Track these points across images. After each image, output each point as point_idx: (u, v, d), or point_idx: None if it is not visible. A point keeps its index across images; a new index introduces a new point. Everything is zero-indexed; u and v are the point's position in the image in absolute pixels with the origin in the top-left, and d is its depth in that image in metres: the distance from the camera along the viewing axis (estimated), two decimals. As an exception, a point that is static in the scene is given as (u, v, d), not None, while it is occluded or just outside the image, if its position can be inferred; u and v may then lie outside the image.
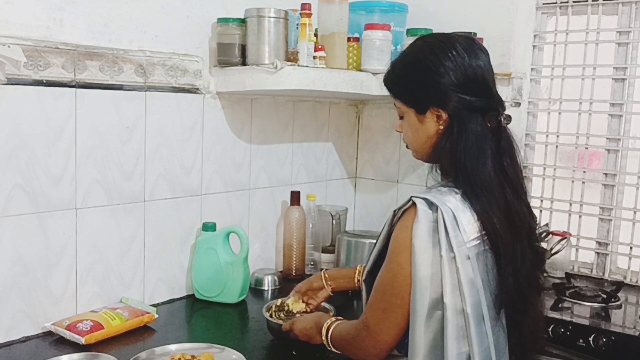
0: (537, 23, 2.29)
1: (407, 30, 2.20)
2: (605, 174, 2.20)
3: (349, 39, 2.07)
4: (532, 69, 2.30)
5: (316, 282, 1.69)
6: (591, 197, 2.24)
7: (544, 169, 2.32)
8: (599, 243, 2.22)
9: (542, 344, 1.49)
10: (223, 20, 1.88)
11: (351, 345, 1.34)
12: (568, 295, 1.98)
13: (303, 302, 1.68)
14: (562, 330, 1.76)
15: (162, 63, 1.81)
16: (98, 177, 1.68)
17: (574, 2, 2.21)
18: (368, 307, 1.30)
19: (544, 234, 2.12)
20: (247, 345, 1.59)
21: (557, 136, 2.29)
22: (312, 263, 2.30)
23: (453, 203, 1.22)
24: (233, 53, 1.88)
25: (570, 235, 2.19)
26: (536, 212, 1.97)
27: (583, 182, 2.24)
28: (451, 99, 1.25)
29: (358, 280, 1.63)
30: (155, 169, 1.83)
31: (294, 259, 2.21)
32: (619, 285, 2.00)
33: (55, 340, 1.57)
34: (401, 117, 1.36)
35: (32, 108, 1.53)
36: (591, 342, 1.71)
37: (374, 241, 1.38)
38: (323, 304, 1.69)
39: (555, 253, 2.12)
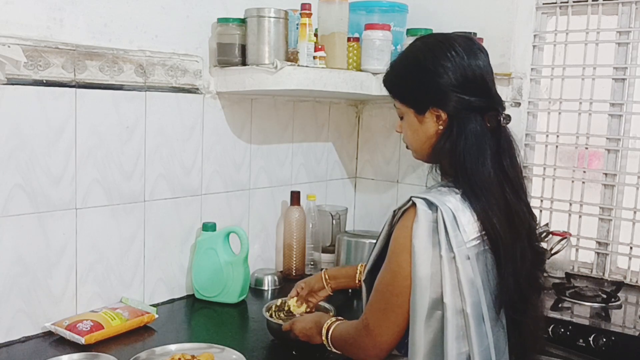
0: (537, 23, 2.29)
1: (407, 30, 2.20)
2: (605, 174, 2.20)
3: (349, 39, 2.07)
4: (532, 69, 2.30)
5: (317, 284, 1.69)
6: (591, 197, 2.24)
7: (544, 169, 2.32)
8: (599, 243, 2.22)
9: (542, 344, 1.49)
10: (223, 20, 1.88)
11: (351, 346, 1.34)
12: (568, 295, 1.98)
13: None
14: (562, 330, 1.76)
15: (162, 63, 1.81)
16: (98, 177, 1.68)
17: (574, 2, 2.21)
18: (368, 307, 1.30)
19: (544, 234, 2.12)
20: (247, 345, 1.59)
21: (557, 136, 2.29)
22: (312, 263, 2.30)
23: (453, 203, 1.22)
24: (233, 53, 1.88)
25: (570, 235, 2.19)
26: (536, 212, 1.97)
27: (583, 182, 2.24)
28: (450, 99, 1.25)
29: (359, 280, 1.64)
30: (155, 169, 1.83)
31: (294, 259, 2.21)
32: (619, 285, 2.00)
33: (55, 340, 1.57)
34: (401, 118, 1.36)
35: (32, 108, 1.53)
36: (591, 342, 1.71)
37: (374, 241, 1.38)
38: (323, 303, 1.70)
39: (555, 253, 2.12)
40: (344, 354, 1.39)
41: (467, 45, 1.27)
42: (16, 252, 1.53)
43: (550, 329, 1.76)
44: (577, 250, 2.26)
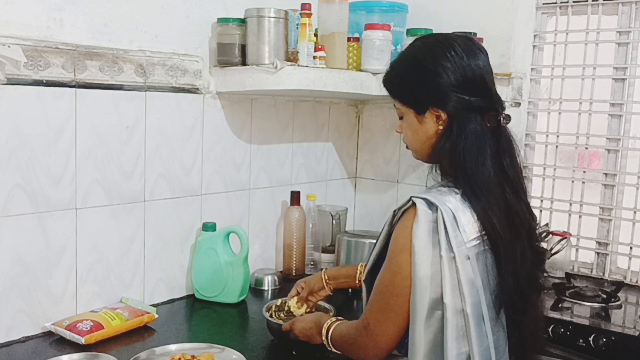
0: (537, 23, 2.29)
1: (407, 30, 2.20)
2: (605, 174, 2.20)
3: (349, 39, 2.07)
4: (532, 69, 2.30)
5: (316, 285, 1.69)
6: (591, 197, 2.24)
7: (544, 169, 2.32)
8: (599, 243, 2.22)
9: (542, 344, 1.49)
10: (223, 20, 1.88)
11: (351, 346, 1.34)
12: (568, 295, 1.98)
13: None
14: (562, 330, 1.76)
15: (162, 63, 1.81)
16: (98, 177, 1.68)
17: (574, 2, 2.21)
18: (368, 308, 1.30)
19: (544, 234, 2.12)
20: (247, 345, 1.59)
21: (557, 136, 2.29)
22: (312, 263, 2.30)
23: (453, 203, 1.22)
24: (233, 53, 1.88)
25: (570, 235, 2.19)
26: (536, 212, 1.97)
27: (583, 182, 2.24)
28: (450, 99, 1.25)
29: (359, 280, 1.64)
30: (155, 169, 1.83)
31: (294, 259, 2.21)
32: (619, 285, 2.00)
33: (55, 340, 1.57)
34: (401, 118, 1.36)
35: (32, 108, 1.53)
36: (591, 342, 1.71)
37: (374, 241, 1.38)
38: (323, 303, 1.70)
39: (555, 253, 2.12)
40: (344, 354, 1.39)
41: (467, 46, 1.27)
42: (16, 252, 1.53)
43: (550, 329, 1.76)
44: (577, 250, 2.26)
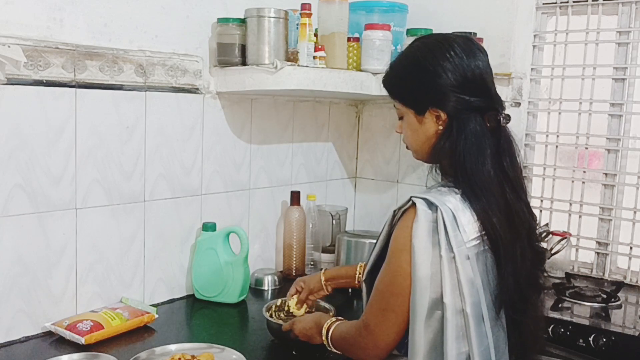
0: (537, 23, 2.29)
1: (407, 30, 2.20)
2: (605, 174, 2.20)
3: (349, 39, 2.07)
4: (532, 69, 2.30)
5: (315, 286, 1.68)
6: (591, 197, 2.24)
7: (544, 169, 2.32)
8: (599, 243, 2.22)
9: (542, 344, 1.49)
10: (223, 20, 1.88)
11: (351, 346, 1.34)
12: (568, 295, 1.98)
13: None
14: (562, 330, 1.76)
15: (162, 63, 1.81)
16: (98, 177, 1.68)
17: (574, 2, 2.21)
18: (368, 308, 1.30)
19: (544, 234, 2.12)
20: (247, 345, 1.59)
21: (557, 136, 2.29)
22: (312, 263, 2.30)
23: (453, 203, 1.22)
24: (233, 53, 1.88)
25: (570, 235, 2.19)
26: (536, 212, 1.96)
27: (583, 182, 2.24)
28: (450, 99, 1.25)
29: (358, 280, 1.64)
30: (155, 169, 1.83)
31: (294, 259, 2.21)
32: (619, 285, 2.00)
33: (55, 340, 1.57)
34: (400, 118, 1.36)
35: (32, 108, 1.53)
36: (591, 342, 1.71)
37: (374, 241, 1.38)
38: (323, 303, 1.70)
39: (555, 253, 2.12)
40: (344, 354, 1.39)
41: (467, 46, 1.27)
42: (16, 252, 1.53)
43: (550, 329, 1.76)
44: (577, 250, 2.26)
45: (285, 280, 2.14)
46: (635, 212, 2.14)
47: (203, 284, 1.93)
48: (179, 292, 1.96)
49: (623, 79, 2.16)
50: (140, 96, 1.77)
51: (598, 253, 2.23)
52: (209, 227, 1.94)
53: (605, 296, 1.96)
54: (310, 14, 1.88)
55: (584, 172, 2.24)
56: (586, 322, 1.80)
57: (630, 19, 2.14)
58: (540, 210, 2.31)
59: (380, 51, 2.08)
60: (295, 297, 1.69)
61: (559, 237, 2.14)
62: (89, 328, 1.55)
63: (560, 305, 1.93)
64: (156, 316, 1.71)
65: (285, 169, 2.30)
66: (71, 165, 1.62)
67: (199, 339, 1.59)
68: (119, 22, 1.70)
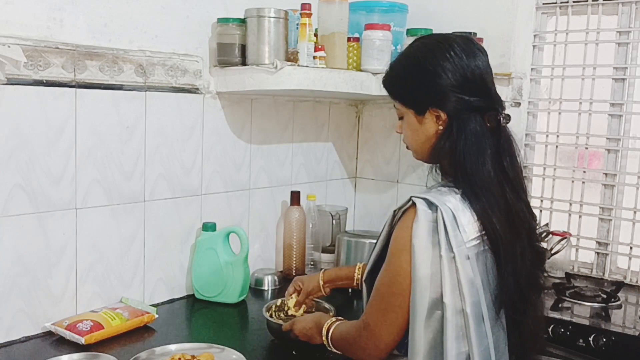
0: (537, 23, 2.29)
1: (407, 30, 2.20)
2: (605, 174, 2.20)
3: (349, 39, 2.07)
4: (532, 69, 2.30)
5: (313, 288, 1.68)
6: (591, 197, 2.24)
7: (544, 169, 2.32)
8: (599, 243, 2.22)
9: (542, 344, 1.49)
10: (223, 20, 1.88)
11: (351, 346, 1.34)
12: (568, 295, 1.98)
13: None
14: (562, 330, 1.76)
15: (162, 63, 1.81)
16: (98, 177, 1.68)
17: (574, 2, 2.21)
18: (368, 308, 1.30)
19: (544, 234, 2.12)
20: (247, 345, 1.59)
21: (557, 136, 2.29)
22: (312, 263, 2.30)
23: (453, 203, 1.22)
24: (233, 53, 1.88)
25: (570, 235, 2.19)
26: (536, 212, 1.96)
27: (583, 182, 2.24)
28: (450, 99, 1.25)
29: (357, 281, 1.63)
30: (155, 169, 1.83)
31: (294, 259, 2.21)
32: (619, 285, 2.00)
33: (55, 340, 1.57)
34: (401, 118, 1.36)
35: (32, 108, 1.53)
36: (591, 342, 1.71)
37: (374, 241, 1.38)
38: (323, 303, 1.70)
39: (555, 253, 2.12)
40: (344, 354, 1.39)
41: (466, 46, 1.27)
42: (16, 252, 1.53)
43: (550, 329, 1.76)
44: (577, 250, 2.26)
45: (285, 280, 2.14)
46: (635, 212, 2.14)
47: (203, 284, 1.93)
48: (179, 292, 1.96)
49: (623, 79, 2.16)
50: (140, 96, 1.77)
51: (598, 253, 2.23)
52: (209, 227, 1.94)
53: (605, 296, 1.96)
54: (310, 14, 1.88)
55: (584, 172, 2.24)
56: (586, 322, 1.80)
57: (630, 19, 2.14)
58: (540, 210, 2.31)
59: (380, 51, 2.08)
60: (294, 296, 1.69)
61: (559, 237, 2.14)
62: (89, 328, 1.55)
63: (560, 305, 1.93)
64: (156, 316, 1.71)
65: (285, 169, 2.30)
66: (71, 165, 1.62)
67: (199, 339, 1.59)
68: (119, 22, 1.70)
